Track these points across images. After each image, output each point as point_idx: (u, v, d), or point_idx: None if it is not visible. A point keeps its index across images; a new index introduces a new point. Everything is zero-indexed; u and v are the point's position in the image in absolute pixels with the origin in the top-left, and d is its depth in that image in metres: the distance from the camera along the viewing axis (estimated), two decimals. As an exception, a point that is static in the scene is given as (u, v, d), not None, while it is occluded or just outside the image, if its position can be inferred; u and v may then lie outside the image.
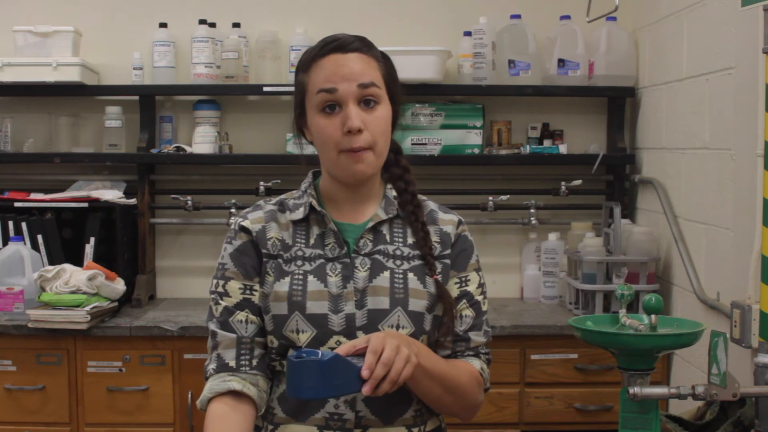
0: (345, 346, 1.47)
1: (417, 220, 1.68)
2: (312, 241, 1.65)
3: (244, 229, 1.67)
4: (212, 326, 1.65)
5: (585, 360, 3.01)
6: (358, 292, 1.61)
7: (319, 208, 1.66)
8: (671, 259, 3.10)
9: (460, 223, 1.74)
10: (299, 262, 1.64)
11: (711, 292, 2.69)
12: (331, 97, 1.58)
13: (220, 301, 1.65)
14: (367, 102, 1.59)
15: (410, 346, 1.50)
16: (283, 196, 1.73)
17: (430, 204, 1.75)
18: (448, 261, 1.69)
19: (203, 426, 1.59)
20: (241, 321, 1.63)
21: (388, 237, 1.67)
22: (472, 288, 1.70)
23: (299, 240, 1.66)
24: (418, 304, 1.63)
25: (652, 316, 1.83)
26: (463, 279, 1.70)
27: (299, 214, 1.67)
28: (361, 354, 1.45)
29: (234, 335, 1.63)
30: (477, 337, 1.70)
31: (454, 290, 1.69)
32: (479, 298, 1.71)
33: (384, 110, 1.62)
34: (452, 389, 1.61)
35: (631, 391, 1.72)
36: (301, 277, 1.62)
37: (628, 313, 1.88)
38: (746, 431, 1.93)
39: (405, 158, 1.74)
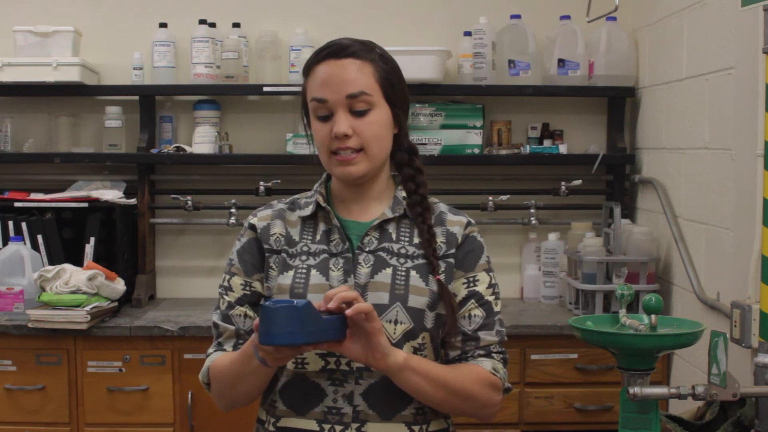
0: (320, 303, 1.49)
1: (424, 222, 1.70)
2: (318, 237, 1.70)
3: (251, 227, 1.75)
4: (215, 317, 1.74)
5: (585, 360, 3.01)
6: (359, 287, 1.64)
7: (324, 205, 1.70)
8: (671, 259, 3.10)
9: (468, 224, 1.75)
10: (304, 257, 1.68)
11: (711, 292, 2.69)
12: (322, 106, 1.64)
13: (225, 296, 1.73)
14: (357, 110, 1.63)
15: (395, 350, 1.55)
16: (296, 196, 1.79)
17: (441, 206, 1.77)
18: (452, 260, 1.70)
19: (215, 378, 1.67)
20: (240, 315, 1.71)
21: (394, 236, 1.70)
22: (481, 288, 1.71)
23: (306, 236, 1.71)
24: (418, 301, 1.64)
25: (652, 316, 1.83)
26: (471, 279, 1.71)
27: (307, 211, 1.72)
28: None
29: (233, 327, 1.71)
30: (488, 337, 1.70)
31: (462, 290, 1.70)
32: (490, 298, 1.71)
33: (377, 115, 1.65)
34: (455, 391, 1.62)
35: (631, 391, 1.72)
36: (304, 270, 1.67)
37: (628, 313, 1.88)
38: (746, 431, 1.93)
39: (420, 159, 1.76)
